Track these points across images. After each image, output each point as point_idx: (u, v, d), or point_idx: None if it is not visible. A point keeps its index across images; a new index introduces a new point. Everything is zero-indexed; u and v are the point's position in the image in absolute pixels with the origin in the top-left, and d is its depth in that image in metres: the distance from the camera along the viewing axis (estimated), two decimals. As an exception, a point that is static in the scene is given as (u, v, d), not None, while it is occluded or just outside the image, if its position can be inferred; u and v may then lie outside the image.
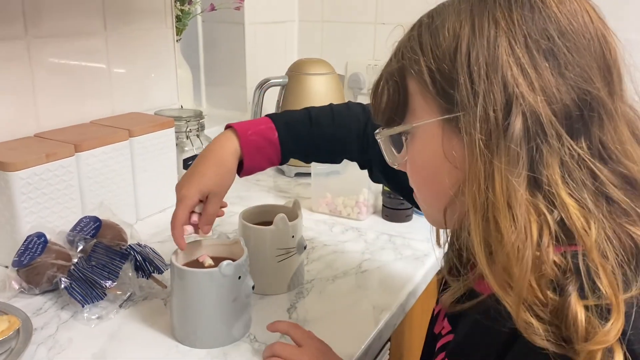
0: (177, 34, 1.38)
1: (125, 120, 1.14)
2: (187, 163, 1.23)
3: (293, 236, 0.85)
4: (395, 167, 0.60)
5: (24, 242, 0.85)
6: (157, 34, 1.28)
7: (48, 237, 0.86)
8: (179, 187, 0.77)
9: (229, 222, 1.11)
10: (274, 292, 0.86)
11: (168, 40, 1.30)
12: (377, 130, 0.60)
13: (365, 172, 0.91)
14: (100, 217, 0.92)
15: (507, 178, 0.46)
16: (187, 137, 1.23)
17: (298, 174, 1.39)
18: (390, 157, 0.60)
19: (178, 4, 1.32)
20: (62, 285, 0.80)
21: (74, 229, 0.91)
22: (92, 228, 0.89)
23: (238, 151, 0.78)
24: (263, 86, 1.36)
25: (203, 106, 1.65)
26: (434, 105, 0.52)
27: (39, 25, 1.02)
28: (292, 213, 0.88)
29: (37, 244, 0.84)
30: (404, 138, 0.57)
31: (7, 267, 0.87)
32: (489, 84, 0.47)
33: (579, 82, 0.47)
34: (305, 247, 0.88)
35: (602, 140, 0.48)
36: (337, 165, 1.25)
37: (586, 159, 0.46)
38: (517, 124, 0.46)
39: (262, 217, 0.89)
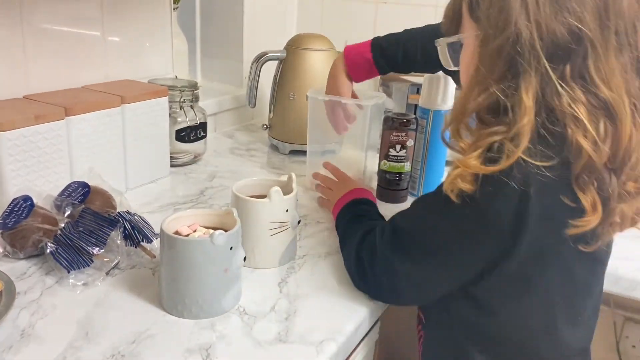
0: (174, 2, 1.35)
1: (118, 86, 1.11)
2: (179, 134, 1.20)
3: (287, 210, 0.83)
4: (449, 68, 0.76)
5: (10, 204, 0.83)
6: (154, 0, 1.24)
7: (35, 200, 0.84)
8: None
9: (222, 195, 1.09)
10: (265, 266, 0.84)
11: (165, 7, 1.27)
12: (437, 40, 0.76)
13: (362, 152, 1.05)
14: (90, 183, 0.90)
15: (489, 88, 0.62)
16: (181, 108, 1.20)
17: (293, 152, 1.37)
18: (445, 61, 0.76)
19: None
20: (48, 250, 0.78)
21: (62, 193, 0.88)
22: (81, 194, 0.87)
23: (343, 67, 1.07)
24: (260, 60, 1.33)
25: (198, 78, 1.62)
26: (472, 22, 0.66)
27: (32, -17, 0.99)
28: (287, 187, 0.86)
29: (23, 207, 0.82)
30: (454, 48, 0.73)
31: (-9, 229, 0.85)
32: (497, 9, 0.61)
33: (573, 20, 0.58)
34: (299, 222, 0.86)
35: (586, 68, 0.59)
36: (333, 144, 1.24)
37: (554, 78, 0.58)
38: (507, 44, 0.59)
39: (255, 190, 0.87)
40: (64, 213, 0.84)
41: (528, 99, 0.58)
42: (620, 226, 0.66)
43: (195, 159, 1.27)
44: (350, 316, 0.75)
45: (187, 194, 1.10)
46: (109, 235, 0.80)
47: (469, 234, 0.64)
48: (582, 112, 0.58)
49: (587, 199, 0.60)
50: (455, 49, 0.73)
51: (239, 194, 0.83)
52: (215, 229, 0.74)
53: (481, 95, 0.62)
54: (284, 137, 1.37)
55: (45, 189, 0.91)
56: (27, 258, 0.82)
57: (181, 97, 1.19)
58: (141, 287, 0.77)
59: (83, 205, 0.84)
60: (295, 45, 1.34)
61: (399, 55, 1.02)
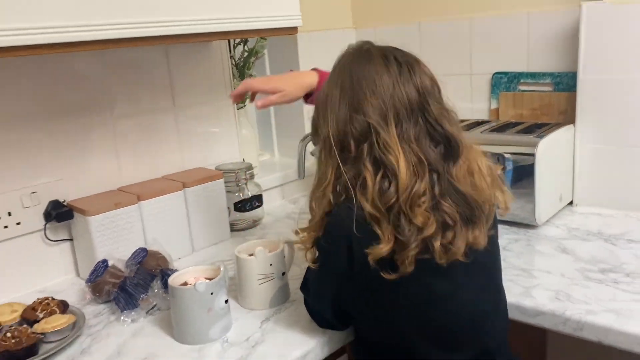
0: (242, 102, 1.72)
1: (188, 174, 1.48)
2: (237, 206, 1.54)
3: (271, 264, 1.10)
4: None
5: (94, 266, 1.21)
6: (219, 105, 1.62)
7: (111, 262, 1.22)
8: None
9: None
10: (258, 308, 1.11)
11: (229, 109, 1.64)
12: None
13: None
14: (150, 249, 1.26)
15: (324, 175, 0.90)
16: (237, 185, 1.54)
17: (338, 213, 1.62)
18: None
19: (235, 81, 1.65)
20: (112, 297, 1.14)
21: (130, 256, 1.25)
22: (141, 256, 1.23)
23: (313, 85, 1.21)
24: (305, 139, 1.62)
25: (276, 156, 1.97)
26: None
27: (120, 109, 1.41)
28: (274, 246, 1.13)
29: (101, 267, 1.20)
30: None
31: (86, 283, 1.24)
32: (321, 117, 0.91)
33: (364, 119, 0.85)
34: (284, 274, 1.12)
35: (376, 144, 0.84)
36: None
37: (341, 167, 0.87)
38: (321, 143, 0.91)
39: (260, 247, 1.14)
40: (129, 270, 1.21)
41: (331, 175, 0.89)
42: (440, 255, 0.84)
43: (254, 224, 1.59)
44: (300, 345, 0.98)
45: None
46: (149, 285, 1.14)
47: None
48: (368, 179, 0.84)
49: (382, 231, 0.83)
50: None
51: (237, 253, 1.12)
52: (212, 279, 1.04)
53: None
54: (330, 201, 1.63)
55: (125, 253, 1.29)
56: (105, 302, 1.19)
57: (236, 177, 1.53)
58: (166, 322, 1.09)
59: (138, 265, 1.20)
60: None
61: None
